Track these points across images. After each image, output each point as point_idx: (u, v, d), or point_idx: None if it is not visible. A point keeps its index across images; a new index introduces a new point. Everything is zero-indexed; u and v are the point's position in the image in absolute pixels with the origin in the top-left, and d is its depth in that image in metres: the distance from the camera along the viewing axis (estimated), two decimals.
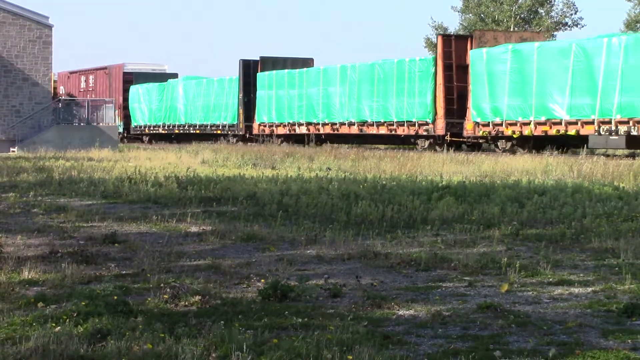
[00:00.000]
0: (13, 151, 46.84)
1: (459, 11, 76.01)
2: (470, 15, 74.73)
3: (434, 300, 9.68)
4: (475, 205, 17.61)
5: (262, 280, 10.54)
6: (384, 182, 22.38)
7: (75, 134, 49.08)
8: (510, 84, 39.88)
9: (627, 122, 35.02)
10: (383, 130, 47.69)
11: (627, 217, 16.01)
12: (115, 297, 9.16)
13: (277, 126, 56.15)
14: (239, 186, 22.09)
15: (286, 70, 56.05)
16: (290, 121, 54.75)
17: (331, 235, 14.11)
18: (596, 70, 36.21)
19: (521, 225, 15.09)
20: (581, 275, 11.13)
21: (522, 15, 72.85)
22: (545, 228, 15.16)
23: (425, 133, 44.99)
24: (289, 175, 25.69)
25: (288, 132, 55.02)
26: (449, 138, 43.34)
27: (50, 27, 50.20)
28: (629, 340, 7.99)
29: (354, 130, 49.71)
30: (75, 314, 8.57)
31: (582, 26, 74.85)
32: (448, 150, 40.24)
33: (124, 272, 11.35)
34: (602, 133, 35.81)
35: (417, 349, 7.73)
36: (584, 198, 18.76)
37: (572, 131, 37.45)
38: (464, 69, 43.55)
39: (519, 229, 14.64)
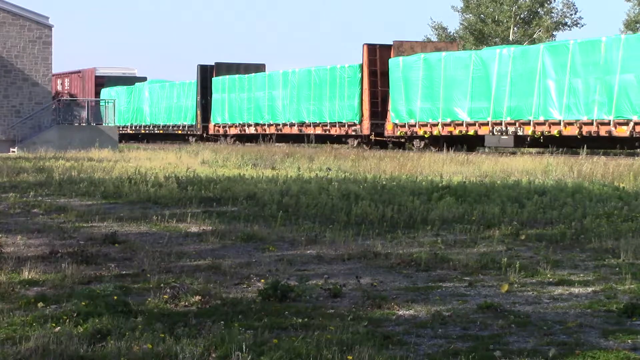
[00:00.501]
0: (13, 151, 46.84)
1: (459, 11, 76.04)
2: (471, 15, 74.74)
3: (434, 300, 9.68)
4: (475, 206, 17.61)
5: (262, 280, 10.55)
6: (384, 182, 22.38)
7: (75, 134, 49.07)
8: (422, 89, 44.58)
9: (514, 124, 39.70)
10: (319, 131, 52.45)
11: (627, 217, 16.02)
12: (115, 297, 9.16)
13: (229, 127, 61.68)
14: (239, 186, 22.09)
15: (237, 76, 61.53)
16: (241, 122, 60.22)
17: (331, 236, 14.11)
18: (491, 78, 40.96)
19: (521, 226, 15.09)
20: (581, 275, 11.13)
21: (522, 16, 72.85)
22: (545, 228, 15.16)
23: (353, 133, 49.85)
24: (289, 176, 25.69)
25: (239, 132, 60.62)
26: (373, 137, 48.18)
27: (50, 27, 50.20)
28: (629, 340, 8.00)
29: (295, 130, 54.45)
30: (75, 314, 8.57)
31: (582, 26, 74.80)
32: (371, 148, 46.08)
33: (124, 272, 11.36)
34: (495, 133, 40.56)
35: (417, 349, 7.73)
36: (584, 198, 18.76)
37: (471, 132, 42.18)
38: (386, 75, 47.95)
39: (519, 229, 14.64)
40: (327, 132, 51.67)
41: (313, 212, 17.34)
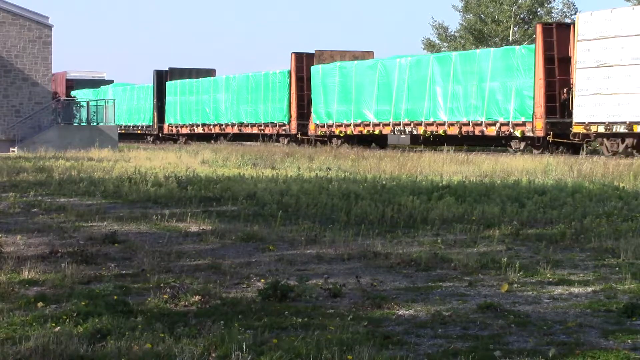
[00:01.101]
0: (13, 151, 46.83)
1: (459, 11, 76.03)
2: (471, 15, 74.73)
3: (434, 300, 9.68)
4: (475, 205, 17.60)
5: (262, 280, 10.55)
6: (384, 182, 22.38)
7: (75, 134, 49.06)
8: (338, 94, 50.66)
9: (410, 124, 45.44)
10: (255, 130, 58.59)
11: (627, 217, 16.02)
12: (115, 297, 9.17)
13: (181, 127, 68.18)
14: (239, 186, 22.09)
15: (187, 80, 67.66)
16: (190, 123, 66.55)
17: (331, 235, 14.11)
18: (392, 84, 46.79)
19: (521, 225, 15.09)
20: (581, 275, 11.13)
21: (522, 16, 72.85)
22: (545, 228, 15.16)
23: (284, 132, 55.80)
24: (288, 175, 25.69)
25: (189, 132, 66.83)
26: (300, 136, 54.26)
27: (50, 27, 50.19)
28: (629, 340, 7.99)
29: (235, 130, 60.82)
30: (75, 314, 8.57)
31: None
32: (299, 145, 51.50)
33: (124, 272, 11.35)
34: (395, 133, 46.33)
35: (417, 349, 7.72)
36: (584, 198, 18.77)
37: (377, 131, 48.00)
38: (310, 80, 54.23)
39: (519, 228, 14.64)
40: (262, 132, 57.38)
41: (313, 211, 17.34)
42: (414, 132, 45.12)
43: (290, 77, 55.07)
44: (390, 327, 8.49)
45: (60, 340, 7.64)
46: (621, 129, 35.63)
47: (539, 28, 40.41)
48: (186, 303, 9.34)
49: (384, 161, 32.10)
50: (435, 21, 77.46)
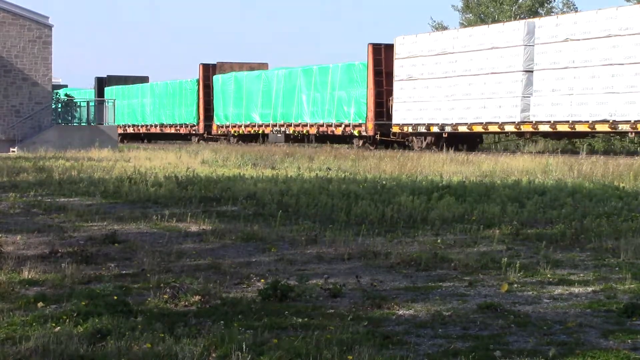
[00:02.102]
0: (13, 151, 46.82)
1: (459, 10, 76.02)
2: (471, 15, 74.71)
3: (434, 300, 9.68)
4: (475, 205, 17.60)
5: (262, 280, 10.55)
6: (383, 182, 22.38)
7: (75, 134, 49.06)
8: (233, 100, 61.50)
9: (283, 125, 55.92)
10: (173, 130, 69.64)
11: (627, 217, 16.01)
12: (115, 297, 9.16)
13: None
14: (239, 186, 22.09)
15: (120, 86, 76.91)
16: (123, 124, 73.54)
17: (331, 235, 14.10)
18: (272, 91, 57.44)
19: (521, 225, 15.09)
20: (581, 275, 11.13)
21: (522, 16, 72.84)
22: (545, 228, 15.16)
23: (194, 132, 67.13)
24: (288, 175, 25.69)
25: (123, 132, 71.98)
26: (206, 135, 65.36)
27: (50, 27, 50.18)
28: (629, 340, 7.99)
29: (158, 130, 71.41)
30: (75, 314, 8.57)
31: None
32: (207, 142, 61.89)
33: (124, 272, 11.35)
34: (274, 132, 56.44)
35: (417, 349, 7.72)
36: (584, 198, 18.77)
37: (261, 131, 58.68)
38: None
39: (519, 228, 14.64)
40: (178, 131, 68.85)
41: (313, 211, 17.34)
42: (287, 132, 55.40)
43: (198, 85, 66.70)
44: (390, 327, 8.49)
45: (60, 340, 7.64)
46: (422, 129, 45.88)
47: (369, 48, 49.12)
48: (186, 303, 9.34)
49: (384, 161, 32.10)
50: (435, 21, 77.39)
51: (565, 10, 72.73)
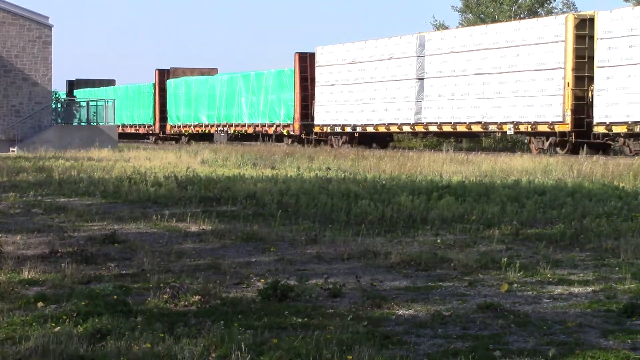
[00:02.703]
0: (13, 151, 46.81)
1: (458, 11, 76.00)
2: (470, 15, 74.69)
3: (434, 300, 9.68)
4: (475, 205, 17.60)
5: (262, 280, 10.55)
6: (383, 182, 22.38)
7: (75, 134, 49.05)
8: (184, 102, 67.25)
9: (226, 125, 61.49)
10: (133, 130, 74.84)
11: (627, 217, 16.01)
12: (115, 297, 9.16)
13: None
14: (238, 186, 22.09)
15: (87, 89, 79.78)
16: None
17: (331, 235, 14.11)
18: (216, 95, 63.11)
19: (521, 225, 15.09)
20: (581, 275, 11.13)
21: (522, 15, 72.85)
22: (545, 228, 15.16)
23: (151, 132, 72.45)
24: (288, 175, 25.69)
25: None
26: (161, 135, 70.91)
27: (50, 27, 50.17)
28: (629, 340, 7.99)
29: (120, 130, 72.01)
30: (75, 314, 8.57)
31: None
32: (163, 142, 67.80)
33: (124, 272, 11.35)
34: (218, 132, 62.20)
35: (417, 349, 7.72)
36: (583, 198, 18.76)
37: (207, 131, 64.15)
38: None
39: (518, 228, 14.64)
40: (137, 131, 74.18)
41: (313, 211, 17.34)
42: (229, 132, 61.08)
43: (155, 88, 71.87)
44: (390, 327, 8.49)
45: (60, 340, 7.64)
46: (338, 130, 51.40)
47: (296, 56, 54.68)
48: (186, 303, 9.34)
49: (383, 161, 32.10)
50: (437, 20, 77.32)
51: (565, 10, 72.74)
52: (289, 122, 54.92)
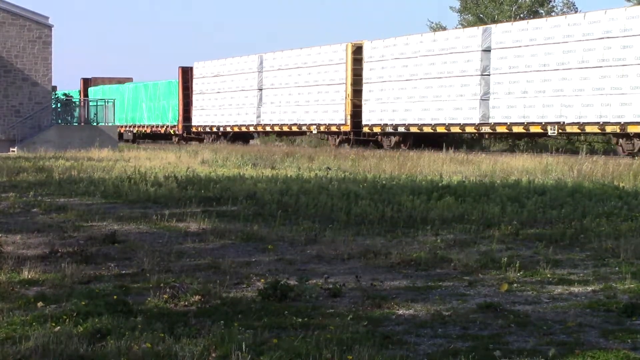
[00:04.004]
0: (13, 151, 46.80)
1: (457, 12, 75.99)
2: (470, 15, 74.68)
3: (434, 300, 9.68)
4: (475, 205, 17.59)
5: (262, 280, 10.54)
6: (383, 182, 22.38)
7: (75, 134, 49.03)
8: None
9: (133, 126, 72.05)
10: None
11: (627, 217, 16.01)
12: (115, 297, 9.17)
13: None
14: (238, 186, 22.09)
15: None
16: None
17: (331, 235, 14.10)
18: (125, 101, 72.69)
19: (521, 225, 15.09)
20: (581, 274, 11.13)
21: (522, 15, 72.86)
22: (545, 228, 15.15)
23: None
24: (288, 175, 25.69)
25: None
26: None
27: (50, 27, 50.16)
28: (629, 340, 8.00)
29: None
30: (75, 314, 8.57)
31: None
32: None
33: (124, 271, 11.35)
34: (126, 132, 70.87)
35: (417, 349, 7.72)
36: (583, 198, 18.76)
37: (118, 130, 65.70)
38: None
39: (519, 228, 14.64)
40: None
41: (313, 211, 17.34)
42: (134, 131, 71.29)
43: (80, 94, 77.94)
44: (390, 327, 8.49)
45: (60, 340, 7.64)
46: (208, 129, 63.41)
47: (179, 70, 67.55)
48: (186, 303, 9.34)
49: (383, 161, 32.10)
50: (432, 22, 77.35)
51: (565, 10, 72.76)
52: (175, 123, 68.04)
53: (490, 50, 42.54)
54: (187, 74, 66.88)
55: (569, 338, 8.07)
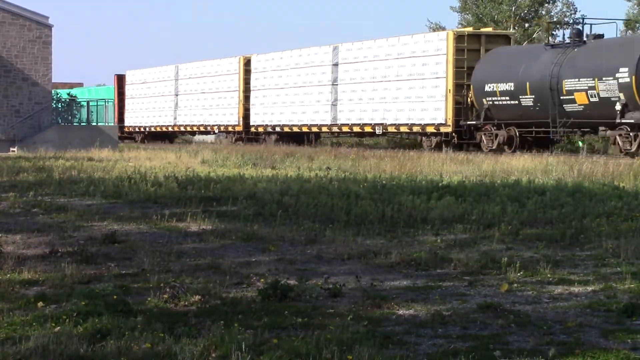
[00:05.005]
0: (13, 151, 46.80)
1: (457, 11, 75.94)
2: (469, 15, 74.64)
3: (434, 300, 9.68)
4: (475, 205, 17.59)
5: (262, 280, 10.54)
6: (383, 182, 22.38)
7: (75, 134, 49.03)
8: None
9: None
10: None
11: (627, 217, 16.01)
12: (115, 297, 9.17)
13: None
14: (238, 186, 22.09)
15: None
16: None
17: (331, 235, 14.10)
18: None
19: (521, 225, 15.08)
20: (581, 274, 11.13)
21: (522, 15, 72.83)
22: (545, 228, 15.15)
23: None
24: (288, 175, 25.68)
25: None
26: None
27: (50, 27, 50.17)
28: (629, 340, 7.99)
29: None
30: (75, 314, 8.57)
31: (583, 25, 74.38)
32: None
33: (124, 271, 11.36)
34: None
35: (417, 349, 7.72)
36: (584, 198, 18.76)
37: None
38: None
39: (519, 228, 14.64)
40: None
41: (313, 211, 17.33)
42: None
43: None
44: (390, 327, 8.49)
45: (60, 340, 7.64)
46: (137, 129, 71.36)
47: (115, 77, 75.28)
48: (186, 303, 9.34)
49: (384, 161, 32.10)
50: (432, 23, 77.33)
51: (565, 10, 72.74)
52: (113, 123, 76.29)
53: (338, 65, 51.45)
54: (122, 80, 75.18)
55: (569, 338, 8.07)
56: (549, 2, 73.56)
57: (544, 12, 72.65)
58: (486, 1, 73.09)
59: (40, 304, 9.27)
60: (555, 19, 69.81)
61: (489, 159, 32.20)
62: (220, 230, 14.82)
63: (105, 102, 52.65)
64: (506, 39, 46.56)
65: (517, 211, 16.78)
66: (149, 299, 9.54)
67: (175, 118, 66.79)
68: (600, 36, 40.35)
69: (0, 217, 17.30)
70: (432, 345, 7.85)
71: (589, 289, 10.29)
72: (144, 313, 8.82)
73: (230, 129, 61.39)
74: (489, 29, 47.65)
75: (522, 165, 28.66)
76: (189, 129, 66.45)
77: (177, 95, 67.19)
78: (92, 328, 8.15)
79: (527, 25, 72.63)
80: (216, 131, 64.12)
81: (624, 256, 12.17)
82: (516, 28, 71.91)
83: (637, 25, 69.07)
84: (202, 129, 64.82)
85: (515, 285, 10.45)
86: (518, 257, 12.25)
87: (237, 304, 9.36)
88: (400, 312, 9.13)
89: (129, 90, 73.46)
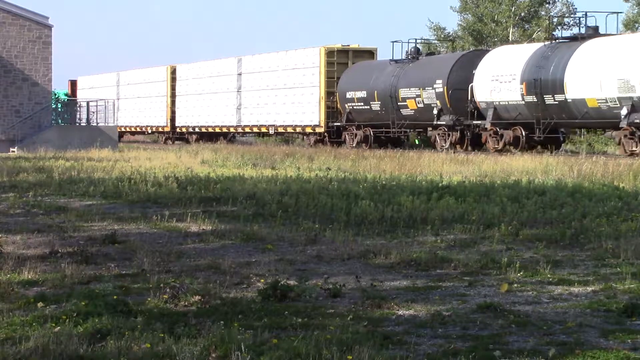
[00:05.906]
0: (13, 151, 46.80)
1: (457, 12, 75.91)
2: (469, 15, 74.62)
3: (434, 300, 9.68)
4: (475, 205, 17.59)
5: (262, 280, 10.54)
6: (383, 182, 22.38)
7: (75, 134, 49.03)
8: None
9: None
10: None
11: (627, 217, 16.00)
12: (115, 297, 9.16)
13: None
14: (238, 186, 22.09)
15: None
16: None
17: (331, 235, 14.10)
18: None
19: (521, 225, 15.08)
20: (581, 275, 11.13)
21: (522, 15, 72.83)
22: (545, 228, 15.15)
23: None
24: (288, 175, 25.69)
25: None
26: None
27: (50, 27, 50.17)
28: (629, 340, 7.99)
29: None
30: (75, 314, 8.57)
31: (583, 25, 74.31)
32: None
33: (124, 272, 11.36)
34: None
35: (417, 349, 7.72)
36: (583, 198, 18.76)
37: None
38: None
39: (519, 228, 14.64)
40: None
41: (313, 211, 17.33)
42: None
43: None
44: (390, 327, 8.49)
45: (60, 340, 7.64)
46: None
47: (69, 82, 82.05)
48: (186, 303, 9.34)
49: (384, 161, 32.10)
50: (433, 23, 77.28)
51: (564, 10, 72.73)
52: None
53: (241, 74, 59.70)
54: (74, 85, 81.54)
55: (569, 338, 8.07)
56: (548, 2, 73.55)
57: (543, 13, 72.62)
58: (486, 1, 73.06)
59: (40, 304, 9.27)
60: (555, 19, 69.70)
61: (489, 159, 32.19)
62: (220, 230, 14.82)
63: (105, 102, 52.62)
64: (370, 54, 54.49)
65: (517, 211, 16.78)
66: (149, 299, 9.54)
67: (116, 120, 72.10)
68: (432, 53, 51.89)
69: (0, 217, 17.30)
70: (432, 345, 7.85)
71: (589, 289, 10.29)
72: (143, 313, 8.82)
73: (160, 129, 70.24)
74: (356, 46, 54.95)
75: (522, 166, 28.66)
76: (127, 129, 74.44)
77: (118, 99, 72.63)
78: (92, 328, 8.15)
79: (526, 25, 72.60)
80: (149, 132, 73.28)
81: (623, 256, 12.17)
82: (516, 28, 71.92)
83: (637, 25, 69.05)
84: (138, 129, 73.59)
85: (515, 285, 10.45)
86: (518, 257, 12.25)
87: (237, 304, 9.36)
88: (400, 312, 9.13)
89: (79, 94, 77.45)
